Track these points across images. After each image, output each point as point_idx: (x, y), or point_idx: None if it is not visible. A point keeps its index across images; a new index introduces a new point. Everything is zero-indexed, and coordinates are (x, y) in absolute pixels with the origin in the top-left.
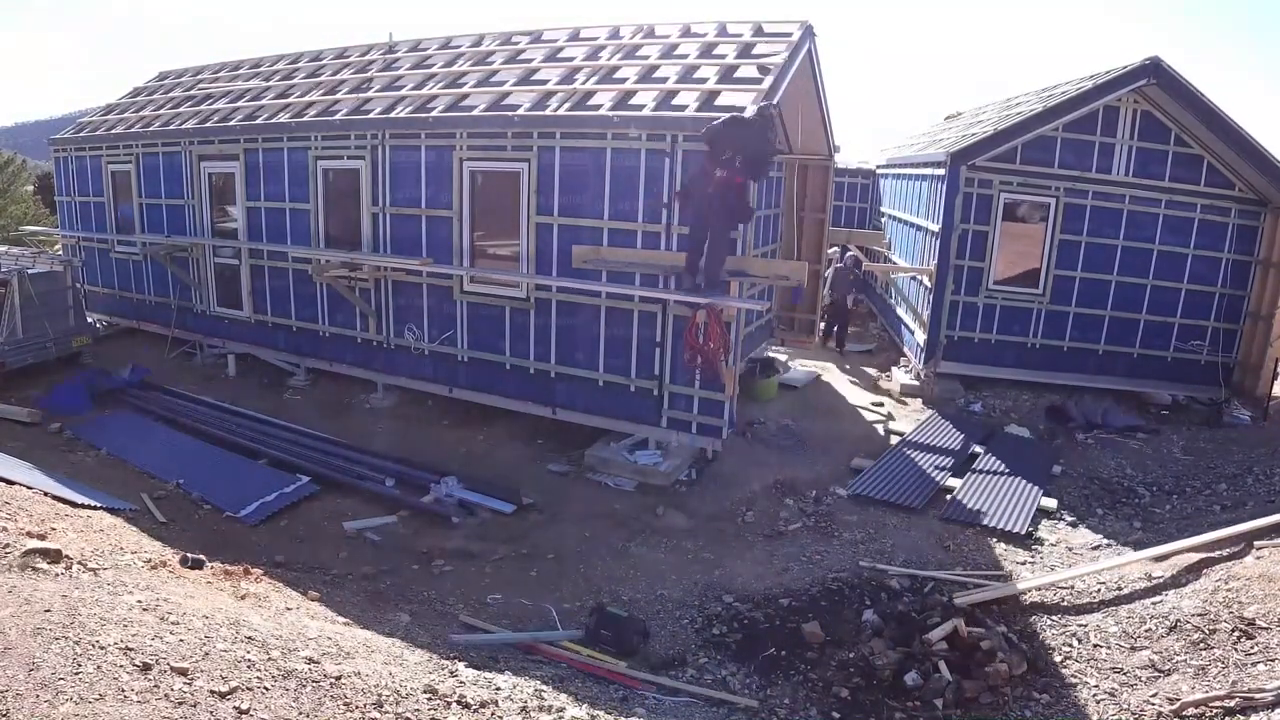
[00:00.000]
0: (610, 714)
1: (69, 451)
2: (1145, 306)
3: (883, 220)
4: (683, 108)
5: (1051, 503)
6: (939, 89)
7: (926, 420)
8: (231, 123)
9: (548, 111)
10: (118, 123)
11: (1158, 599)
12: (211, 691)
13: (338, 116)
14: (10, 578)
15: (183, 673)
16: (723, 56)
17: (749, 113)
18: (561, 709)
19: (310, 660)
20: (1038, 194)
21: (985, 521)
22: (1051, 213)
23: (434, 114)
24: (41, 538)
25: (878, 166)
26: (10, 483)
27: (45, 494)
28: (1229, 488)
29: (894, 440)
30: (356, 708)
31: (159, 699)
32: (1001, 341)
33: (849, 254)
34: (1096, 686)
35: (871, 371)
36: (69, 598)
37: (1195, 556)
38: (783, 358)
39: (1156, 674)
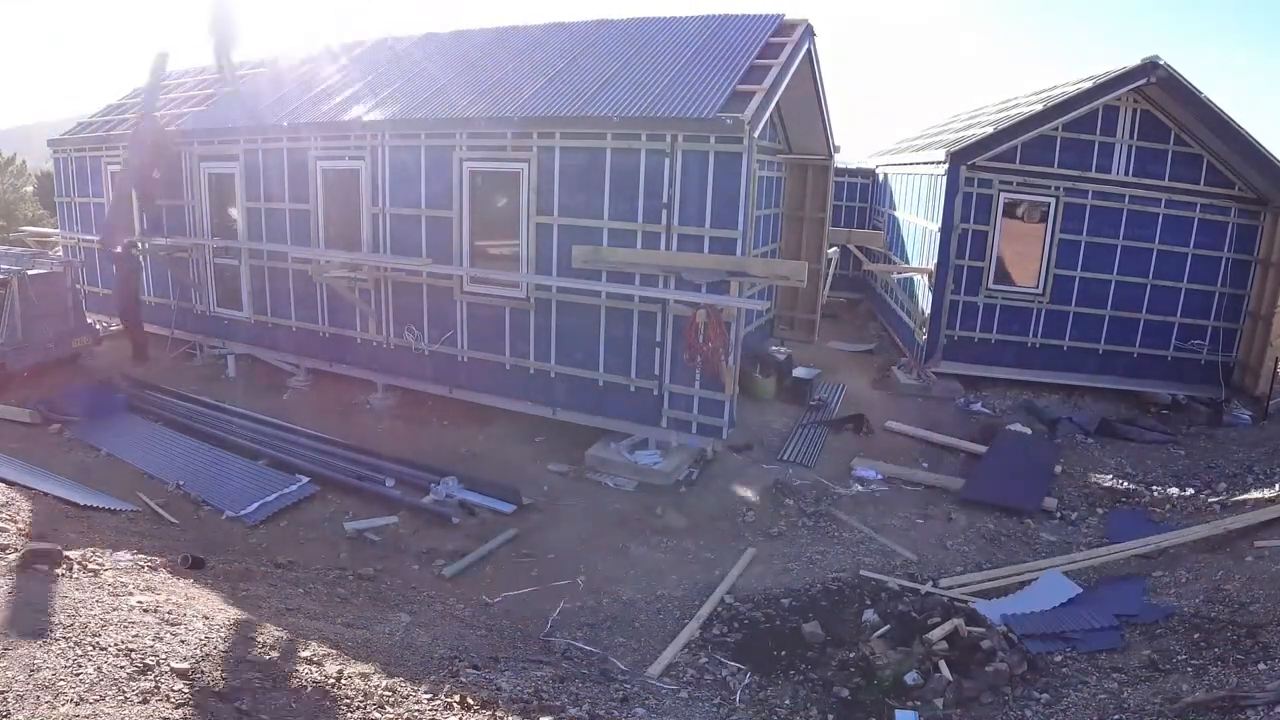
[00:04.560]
0: (610, 714)
1: (69, 452)
2: (1145, 306)
3: (883, 219)
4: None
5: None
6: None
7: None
8: (231, 123)
9: (548, 112)
10: (118, 123)
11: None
12: (212, 693)
13: (337, 116)
14: (11, 578)
15: (183, 674)
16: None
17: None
18: (562, 709)
19: (311, 660)
20: (1037, 193)
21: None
22: (1051, 212)
23: (434, 114)
24: (42, 539)
25: (877, 166)
26: (11, 483)
27: (46, 495)
28: (1229, 487)
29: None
30: (357, 708)
31: (159, 700)
32: (1001, 341)
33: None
34: (1097, 686)
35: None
36: (69, 599)
37: (1195, 555)
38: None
39: (1156, 674)
